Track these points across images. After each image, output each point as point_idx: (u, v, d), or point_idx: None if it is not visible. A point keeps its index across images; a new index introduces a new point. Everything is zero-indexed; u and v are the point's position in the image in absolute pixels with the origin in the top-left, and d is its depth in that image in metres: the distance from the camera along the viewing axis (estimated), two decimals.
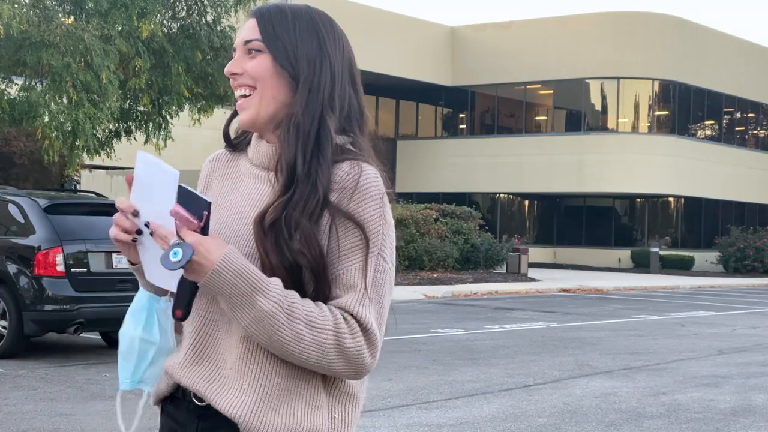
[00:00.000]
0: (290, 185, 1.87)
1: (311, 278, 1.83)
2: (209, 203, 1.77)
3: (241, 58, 1.96)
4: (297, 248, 1.81)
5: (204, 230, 1.77)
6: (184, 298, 1.78)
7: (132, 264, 1.98)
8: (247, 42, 1.95)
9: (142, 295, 1.89)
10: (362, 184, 1.86)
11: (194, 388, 1.89)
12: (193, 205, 1.77)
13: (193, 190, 1.80)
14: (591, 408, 8.28)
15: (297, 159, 1.88)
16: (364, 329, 1.80)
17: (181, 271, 1.75)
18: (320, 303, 1.82)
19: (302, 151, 1.88)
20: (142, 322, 1.84)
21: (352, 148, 1.94)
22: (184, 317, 1.79)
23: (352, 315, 1.81)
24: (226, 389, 1.86)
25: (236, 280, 1.75)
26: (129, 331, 1.86)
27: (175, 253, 1.72)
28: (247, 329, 1.80)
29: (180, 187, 1.79)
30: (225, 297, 1.78)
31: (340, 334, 1.78)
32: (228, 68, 1.97)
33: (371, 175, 1.87)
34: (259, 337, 1.80)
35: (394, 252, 1.91)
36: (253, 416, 1.83)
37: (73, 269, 10.11)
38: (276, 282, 1.78)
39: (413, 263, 26.11)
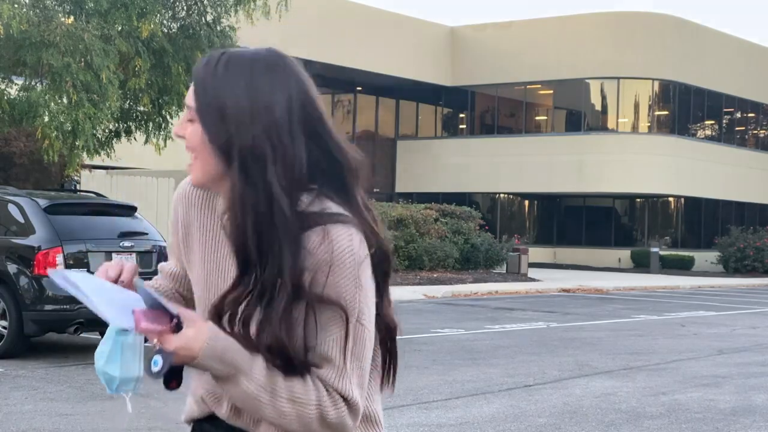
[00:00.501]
0: (244, 273, 1.77)
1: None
2: (177, 315, 1.72)
3: (185, 119, 1.86)
4: (267, 343, 1.77)
5: (178, 326, 1.72)
6: (177, 369, 1.77)
7: None
8: (187, 107, 1.85)
9: (111, 327, 1.81)
10: (336, 258, 1.75)
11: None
12: (159, 306, 1.73)
13: (156, 297, 1.73)
14: (591, 408, 8.28)
15: (248, 243, 1.75)
16: (346, 400, 1.80)
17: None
18: (306, 376, 1.79)
19: (253, 231, 1.75)
20: (104, 356, 1.81)
21: (316, 207, 1.78)
22: (178, 386, 1.79)
23: (333, 389, 1.79)
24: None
25: (218, 365, 1.73)
26: (96, 361, 1.83)
27: (155, 362, 1.71)
28: (234, 402, 1.83)
29: (142, 292, 1.74)
30: (212, 376, 1.78)
31: (323, 408, 1.78)
32: (174, 130, 1.90)
33: (343, 242, 1.75)
34: (248, 411, 1.84)
35: (373, 308, 1.83)
36: None
37: (73, 269, 10.11)
38: (259, 362, 1.75)
39: (413, 263, 26.11)
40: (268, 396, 1.76)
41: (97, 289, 1.80)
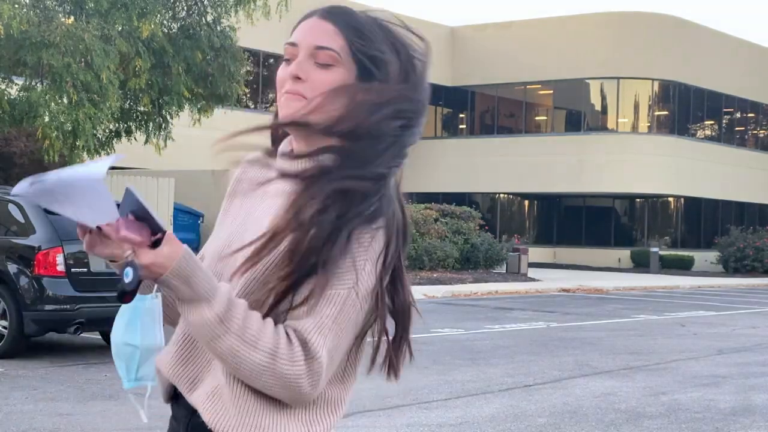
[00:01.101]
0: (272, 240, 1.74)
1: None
2: (164, 231, 1.70)
3: (306, 63, 1.78)
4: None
5: (156, 242, 1.69)
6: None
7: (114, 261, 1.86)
8: (320, 48, 1.77)
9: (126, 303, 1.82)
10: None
11: (179, 387, 1.87)
12: (143, 217, 1.70)
13: (146, 206, 1.70)
14: (591, 408, 8.29)
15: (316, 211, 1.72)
16: (310, 357, 1.71)
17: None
18: (268, 321, 1.72)
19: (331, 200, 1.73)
20: (123, 326, 1.81)
21: None
22: (131, 300, 1.74)
23: (301, 339, 1.71)
24: (203, 391, 1.83)
25: (182, 285, 1.69)
26: (114, 335, 1.84)
27: (126, 274, 1.69)
28: (190, 330, 1.77)
29: (129, 197, 1.70)
30: (175, 297, 1.73)
31: (277, 358, 1.69)
32: (293, 70, 1.78)
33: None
34: (200, 342, 1.75)
35: (370, 286, 1.77)
36: (223, 420, 1.78)
37: (73, 269, 10.12)
38: (224, 292, 1.70)
39: (413, 263, 26.11)
40: (222, 329, 1.68)
41: (71, 193, 1.68)
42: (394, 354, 1.96)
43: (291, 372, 1.70)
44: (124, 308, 1.81)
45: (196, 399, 1.82)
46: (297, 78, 1.77)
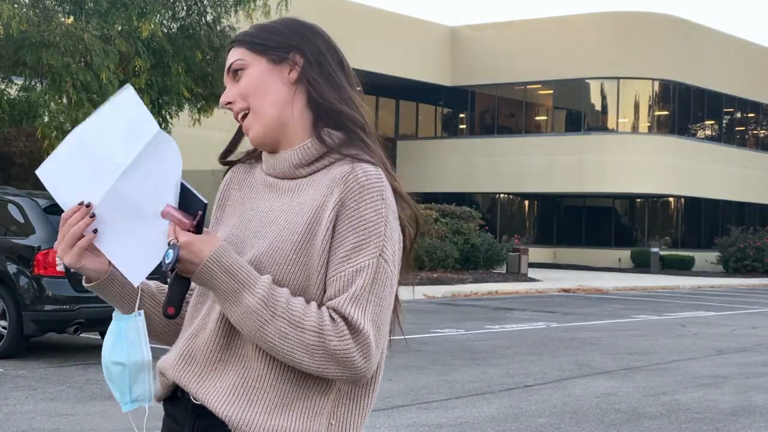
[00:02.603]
0: None
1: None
2: (205, 204, 1.78)
3: (230, 86, 1.94)
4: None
5: (198, 228, 1.78)
6: (175, 297, 1.80)
7: (91, 281, 1.96)
8: (230, 66, 1.93)
9: (113, 320, 1.87)
10: (364, 187, 1.82)
11: (186, 386, 1.87)
12: (189, 203, 1.79)
13: (189, 187, 1.80)
14: (591, 408, 8.28)
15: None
16: (354, 330, 1.74)
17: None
18: (312, 303, 1.77)
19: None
20: (110, 346, 1.84)
21: (352, 150, 1.90)
22: (176, 315, 1.80)
23: (341, 315, 1.75)
24: (217, 388, 1.83)
25: (224, 275, 1.75)
26: (103, 357, 1.86)
27: (167, 255, 1.76)
28: (236, 325, 1.78)
29: (180, 184, 1.80)
30: (215, 292, 1.78)
31: (325, 336, 1.73)
32: (222, 99, 1.94)
33: (371, 174, 1.83)
34: (249, 334, 1.77)
35: (398, 252, 1.85)
36: (243, 415, 1.80)
37: (73, 269, 10.10)
38: (265, 279, 1.76)
39: (413, 263, 26.10)
40: (269, 314, 1.74)
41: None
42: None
43: (341, 347, 1.73)
44: (110, 330, 1.84)
45: (208, 397, 1.83)
46: (228, 104, 1.93)
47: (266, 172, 1.96)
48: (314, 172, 1.90)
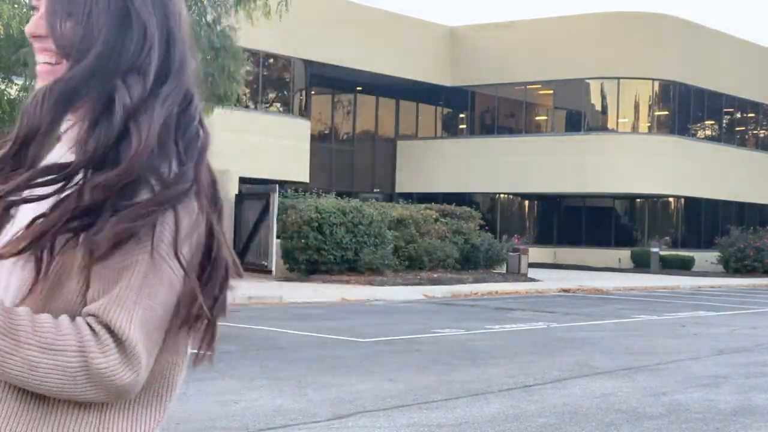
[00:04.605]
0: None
1: None
2: None
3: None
4: None
5: None
6: None
7: None
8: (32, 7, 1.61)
9: None
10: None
11: None
12: None
13: None
14: (591, 408, 8.28)
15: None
16: (118, 341, 1.43)
17: None
18: (62, 317, 1.45)
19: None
20: None
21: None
22: None
23: (102, 324, 1.44)
24: None
25: None
26: None
27: None
28: None
29: None
30: None
31: (87, 354, 1.42)
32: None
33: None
34: None
35: (188, 245, 1.50)
36: None
37: None
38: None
39: (413, 263, 26.11)
40: (10, 344, 1.41)
41: None
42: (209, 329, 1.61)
43: (105, 365, 1.43)
44: None
45: None
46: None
47: None
48: None
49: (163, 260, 1.47)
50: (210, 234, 1.55)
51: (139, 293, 1.45)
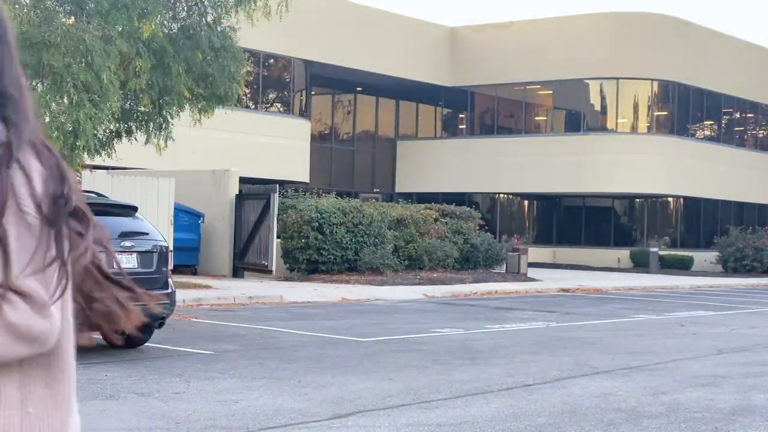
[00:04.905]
0: None
1: None
2: None
3: None
4: None
5: None
6: None
7: None
8: None
9: None
10: None
11: None
12: None
13: None
14: (590, 408, 8.31)
15: None
16: (22, 294, 1.56)
17: None
18: None
19: None
20: None
21: None
22: None
23: (7, 288, 1.55)
24: None
25: None
26: None
27: None
28: None
29: None
30: None
31: (3, 316, 1.54)
32: None
33: None
34: None
35: (43, 195, 1.63)
36: None
37: None
38: None
39: (413, 263, 26.12)
40: None
41: None
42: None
43: (20, 318, 1.56)
44: None
45: None
46: None
47: None
48: None
49: (28, 215, 1.59)
50: None
51: (21, 248, 1.57)
